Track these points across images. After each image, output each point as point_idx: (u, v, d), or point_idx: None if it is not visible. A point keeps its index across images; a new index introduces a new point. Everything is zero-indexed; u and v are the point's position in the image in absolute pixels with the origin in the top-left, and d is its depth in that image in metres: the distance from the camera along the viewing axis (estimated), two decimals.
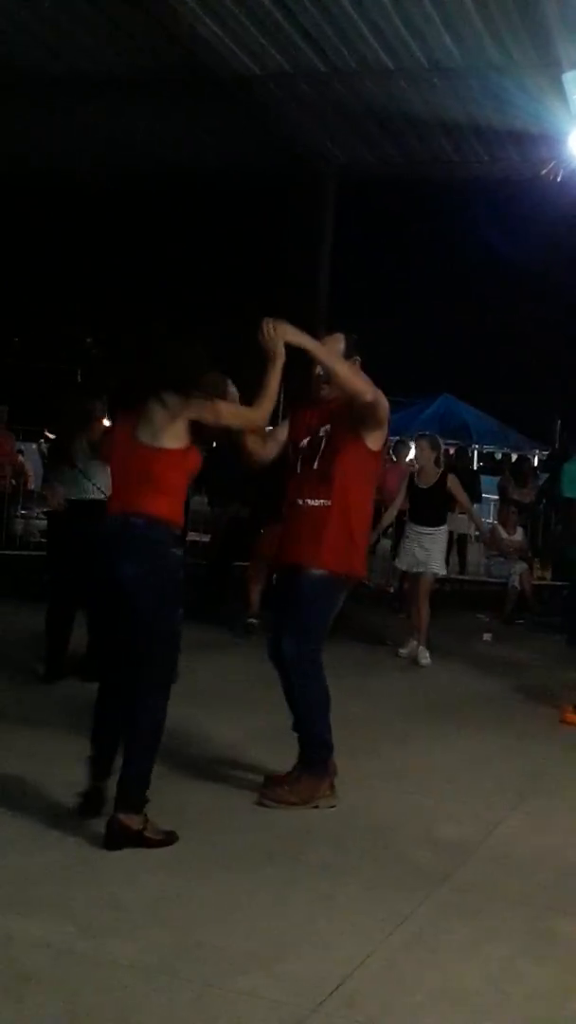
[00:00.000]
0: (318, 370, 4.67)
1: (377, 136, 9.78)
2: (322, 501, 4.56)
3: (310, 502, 4.58)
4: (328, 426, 4.64)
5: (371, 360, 4.92)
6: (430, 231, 20.77)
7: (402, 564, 8.55)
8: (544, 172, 8.83)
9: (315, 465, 4.60)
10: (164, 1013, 2.86)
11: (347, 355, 4.70)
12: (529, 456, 17.33)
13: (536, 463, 14.77)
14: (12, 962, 3.06)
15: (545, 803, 4.86)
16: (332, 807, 4.51)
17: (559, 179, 8.82)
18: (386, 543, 13.29)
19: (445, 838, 4.30)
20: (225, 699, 6.25)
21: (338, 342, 4.71)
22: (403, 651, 8.16)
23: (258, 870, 3.84)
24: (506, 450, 18.79)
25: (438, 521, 8.34)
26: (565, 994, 3.12)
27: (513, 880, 3.93)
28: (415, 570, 8.34)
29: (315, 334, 4.35)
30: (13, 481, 14.25)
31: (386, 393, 4.65)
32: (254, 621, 8.26)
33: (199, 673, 6.58)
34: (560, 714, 6.48)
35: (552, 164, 8.74)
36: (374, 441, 4.61)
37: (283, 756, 4.72)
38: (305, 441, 4.68)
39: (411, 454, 19.22)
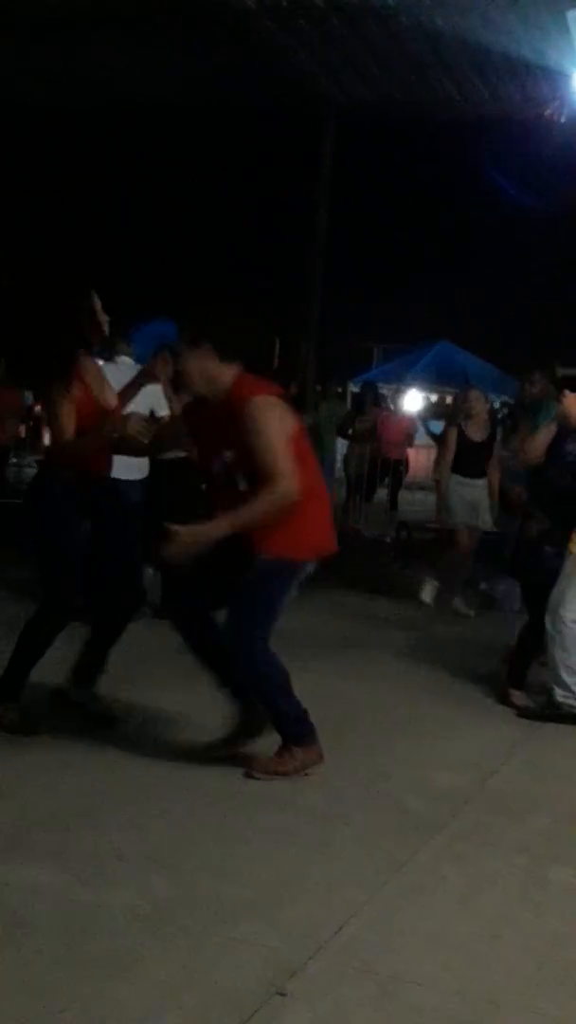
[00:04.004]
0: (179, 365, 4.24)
1: (377, 75, 9.60)
2: None
3: None
4: (230, 453, 4.13)
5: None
6: (431, 173, 20.47)
7: (455, 517, 8.20)
8: (548, 112, 8.68)
9: (241, 487, 4.13)
10: (162, 961, 2.88)
11: (192, 344, 4.13)
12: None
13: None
14: (10, 909, 3.08)
15: (538, 752, 4.88)
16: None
17: (563, 119, 8.67)
18: (382, 492, 13.27)
19: (440, 786, 4.31)
20: None
21: (166, 364, 4.69)
22: (458, 604, 7.91)
23: (253, 819, 3.85)
24: (505, 399, 18.61)
25: (483, 474, 8.14)
26: (559, 942, 3.14)
27: (508, 828, 3.95)
28: (470, 522, 8.11)
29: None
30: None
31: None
32: None
33: None
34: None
35: (556, 103, 8.58)
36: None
37: None
38: (217, 466, 4.21)
39: (409, 402, 19.09)
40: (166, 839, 3.63)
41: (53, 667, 4.59)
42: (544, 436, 5.53)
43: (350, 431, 13.05)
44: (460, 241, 23.78)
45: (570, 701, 5.28)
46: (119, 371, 6.73)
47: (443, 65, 9.14)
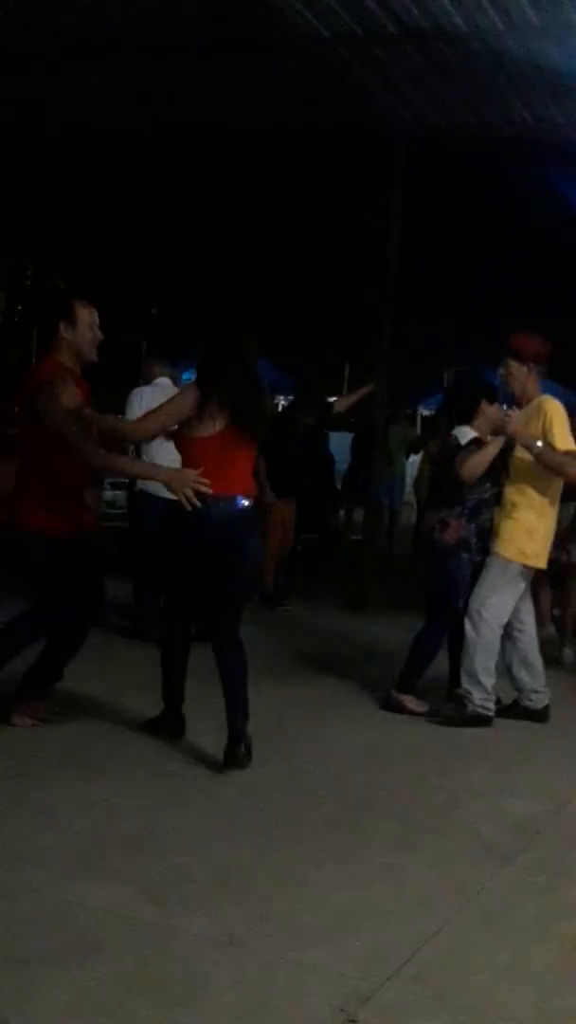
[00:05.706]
0: None
1: (448, 99, 9.58)
2: None
3: None
4: None
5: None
6: (502, 197, 20.39)
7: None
8: None
9: None
10: (231, 984, 2.86)
11: None
12: None
13: None
14: (80, 929, 3.08)
15: None
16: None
17: None
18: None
19: (514, 814, 4.24)
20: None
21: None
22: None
23: (324, 843, 3.82)
24: None
25: (572, 497, 6.63)
26: None
27: None
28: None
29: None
30: None
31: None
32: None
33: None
34: None
35: None
36: None
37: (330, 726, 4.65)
38: None
39: None
40: (236, 862, 3.61)
41: (83, 680, 4.50)
42: (492, 451, 5.38)
43: (420, 452, 12.97)
44: (531, 264, 23.63)
45: (488, 704, 5.31)
46: (156, 393, 6.61)
47: (515, 89, 9.09)
